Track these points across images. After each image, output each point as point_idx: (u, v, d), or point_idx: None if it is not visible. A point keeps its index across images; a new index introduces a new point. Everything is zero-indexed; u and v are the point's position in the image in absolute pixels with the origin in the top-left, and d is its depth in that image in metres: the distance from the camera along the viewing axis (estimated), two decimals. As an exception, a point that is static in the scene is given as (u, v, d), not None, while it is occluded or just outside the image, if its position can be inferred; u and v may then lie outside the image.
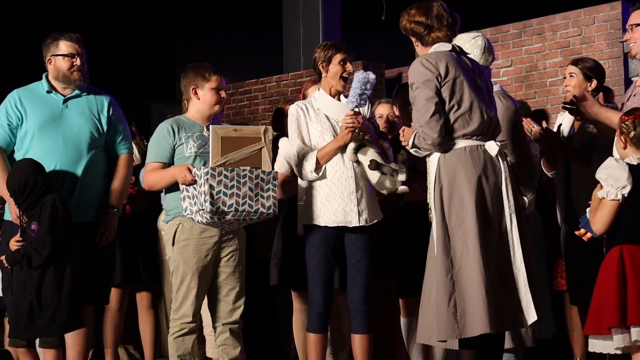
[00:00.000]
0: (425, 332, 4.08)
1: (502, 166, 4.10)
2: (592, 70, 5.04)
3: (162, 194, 5.29)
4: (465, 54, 4.24)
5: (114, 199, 4.83)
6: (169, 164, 4.65)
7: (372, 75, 4.58)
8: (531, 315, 4.03)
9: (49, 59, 4.84)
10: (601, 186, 4.13)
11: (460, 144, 4.07)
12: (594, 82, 5.03)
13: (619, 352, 4.05)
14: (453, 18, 4.19)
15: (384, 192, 4.66)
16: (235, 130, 4.53)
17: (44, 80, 4.86)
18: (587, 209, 4.26)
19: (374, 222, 4.69)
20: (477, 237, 3.96)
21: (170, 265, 4.70)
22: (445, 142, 4.06)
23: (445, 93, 4.05)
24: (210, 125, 4.54)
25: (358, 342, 4.68)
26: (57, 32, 4.87)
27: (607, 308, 4.03)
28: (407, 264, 5.00)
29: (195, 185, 4.46)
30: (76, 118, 4.78)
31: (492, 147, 4.09)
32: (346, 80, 4.73)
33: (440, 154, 4.07)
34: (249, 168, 4.46)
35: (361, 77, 4.57)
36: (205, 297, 4.71)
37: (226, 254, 4.65)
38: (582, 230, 4.29)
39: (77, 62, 4.81)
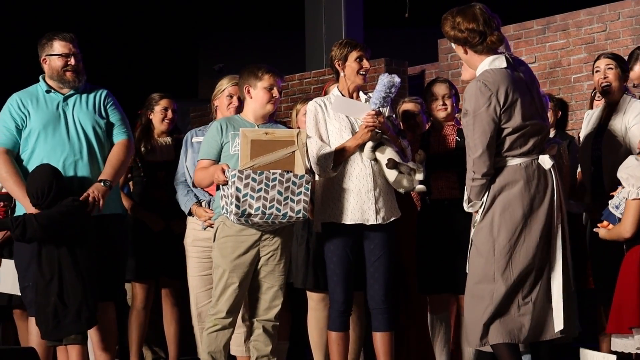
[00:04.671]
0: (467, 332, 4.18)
1: (554, 177, 4.10)
2: (626, 64, 5.08)
3: (178, 196, 5.33)
4: (518, 65, 4.18)
5: (104, 173, 4.79)
6: (217, 161, 4.68)
7: (397, 79, 4.60)
8: (558, 325, 4.06)
9: (44, 59, 4.89)
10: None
11: (516, 161, 4.07)
12: (627, 76, 5.06)
13: None
14: (497, 19, 4.13)
15: (401, 190, 4.67)
16: (266, 134, 4.52)
17: (41, 82, 4.91)
18: (610, 202, 4.25)
19: (391, 220, 4.70)
20: (527, 253, 4.01)
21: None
22: (500, 159, 4.07)
23: (505, 119, 4.03)
24: (240, 129, 4.56)
25: (380, 340, 4.68)
26: (51, 32, 4.90)
27: (628, 308, 4.03)
28: (431, 262, 4.99)
29: (226, 186, 4.47)
30: (77, 115, 4.84)
31: (546, 161, 4.09)
32: (364, 75, 4.73)
33: (495, 168, 4.08)
34: (279, 171, 4.44)
35: (386, 81, 4.58)
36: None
37: (266, 252, 4.64)
38: (605, 223, 4.28)
39: (72, 61, 4.85)
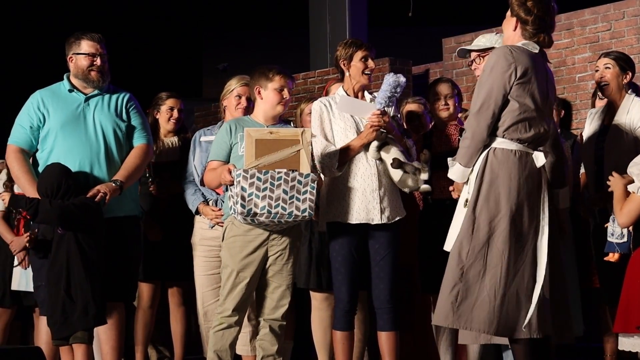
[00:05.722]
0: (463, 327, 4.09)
1: (544, 178, 4.08)
2: (627, 63, 5.04)
3: (185, 195, 5.33)
4: (547, 61, 4.19)
5: (117, 174, 4.80)
6: (226, 162, 4.69)
7: (402, 79, 4.60)
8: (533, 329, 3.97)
9: (70, 57, 4.91)
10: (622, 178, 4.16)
11: (512, 146, 4.04)
12: (629, 75, 5.02)
13: (647, 351, 4.05)
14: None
15: (406, 190, 4.68)
16: (271, 133, 4.53)
17: (65, 80, 4.93)
18: (608, 228, 4.28)
19: (396, 219, 4.70)
20: (505, 241, 3.96)
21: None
22: (497, 138, 4.04)
23: (516, 93, 4.00)
24: (245, 128, 4.57)
25: (385, 339, 4.68)
26: (79, 32, 4.93)
27: (635, 307, 4.03)
28: (434, 260, 4.99)
29: (232, 186, 4.48)
30: (98, 116, 4.84)
31: (539, 158, 4.06)
32: (369, 75, 4.73)
33: (489, 148, 4.04)
34: (284, 170, 4.44)
35: (392, 81, 4.58)
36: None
37: (274, 252, 4.64)
38: (610, 255, 4.31)
39: (98, 61, 4.86)
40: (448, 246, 4.11)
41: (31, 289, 5.45)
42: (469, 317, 3.95)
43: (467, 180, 4.10)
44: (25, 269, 5.65)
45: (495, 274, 3.95)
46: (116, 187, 4.73)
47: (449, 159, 4.16)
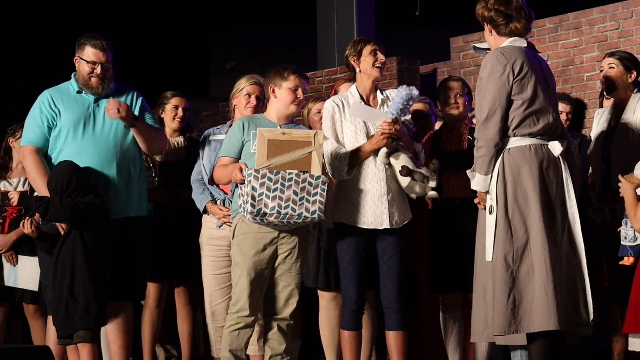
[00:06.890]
0: (477, 329, 4.11)
1: (564, 166, 4.13)
2: (632, 62, 5.04)
3: (193, 194, 5.33)
4: (537, 52, 4.26)
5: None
6: (237, 159, 4.69)
7: (415, 92, 4.62)
8: (592, 313, 4.09)
9: (76, 59, 4.92)
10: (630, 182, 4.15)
11: (525, 141, 4.09)
12: (634, 74, 5.01)
13: (657, 351, 4.05)
14: (530, 12, 4.24)
15: (413, 196, 4.70)
16: (283, 134, 4.53)
17: (73, 80, 4.93)
18: (621, 232, 4.26)
19: (405, 223, 4.71)
20: (542, 234, 4.00)
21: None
22: (509, 139, 4.08)
23: (516, 90, 4.07)
24: (258, 128, 4.57)
25: (393, 339, 4.69)
26: (87, 35, 4.91)
27: (646, 307, 4.01)
28: (443, 260, 4.99)
29: (243, 185, 4.49)
30: (108, 117, 4.82)
31: (555, 147, 4.12)
32: (380, 68, 4.74)
33: (503, 150, 4.09)
34: (295, 172, 4.45)
35: (404, 94, 4.61)
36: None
37: (284, 250, 4.65)
38: (625, 259, 4.31)
39: (98, 70, 4.84)
40: (489, 256, 4.12)
41: (19, 286, 5.47)
42: (530, 319, 3.99)
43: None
44: (14, 265, 5.62)
45: (542, 268, 3.98)
46: (133, 114, 4.76)
47: (468, 172, 4.21)
